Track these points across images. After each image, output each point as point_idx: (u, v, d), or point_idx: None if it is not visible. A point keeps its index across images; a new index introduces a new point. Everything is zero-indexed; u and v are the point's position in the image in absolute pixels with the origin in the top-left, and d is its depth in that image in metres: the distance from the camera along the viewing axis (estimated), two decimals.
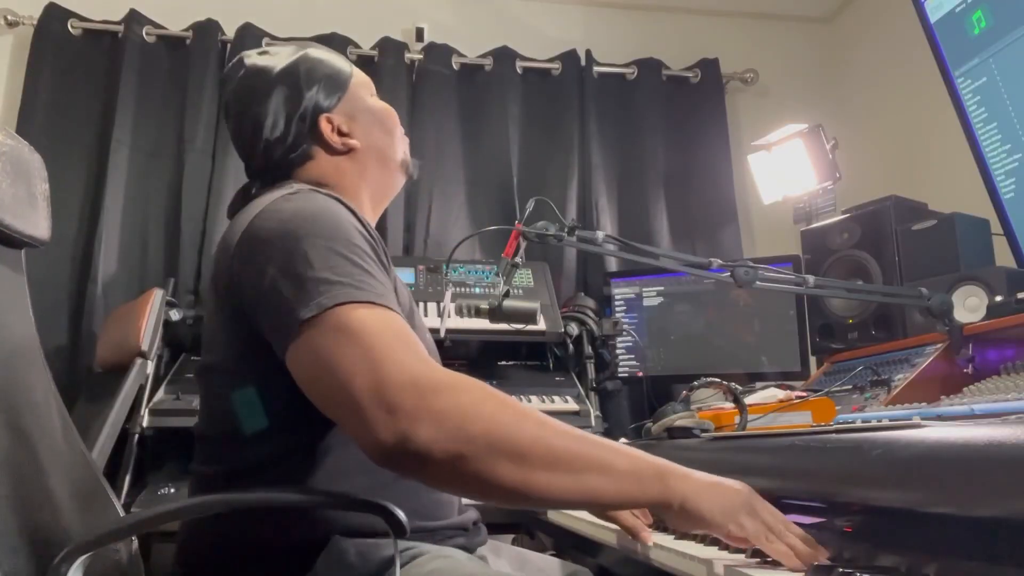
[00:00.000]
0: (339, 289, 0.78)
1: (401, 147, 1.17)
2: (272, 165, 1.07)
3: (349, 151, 1.09)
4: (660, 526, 1.03)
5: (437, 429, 0.70)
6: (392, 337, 0.76)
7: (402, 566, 0.83)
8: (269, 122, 1.05)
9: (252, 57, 1.10)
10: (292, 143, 1.06)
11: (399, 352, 0.74)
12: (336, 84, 1.09)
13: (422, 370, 0.73)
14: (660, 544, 0.93)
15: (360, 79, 1.15)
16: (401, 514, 0.76)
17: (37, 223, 1.01)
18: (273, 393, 0.87)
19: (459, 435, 0.71)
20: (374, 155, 1.12)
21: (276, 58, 1.09)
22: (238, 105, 1.08)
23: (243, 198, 1.06)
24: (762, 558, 0.77)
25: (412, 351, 0.76)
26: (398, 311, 0.81)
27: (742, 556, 0.80)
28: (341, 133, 1.08)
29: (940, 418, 0.96)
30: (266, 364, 0.84)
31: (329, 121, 1.08)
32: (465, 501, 1.04)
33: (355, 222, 0.89)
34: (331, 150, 1.08)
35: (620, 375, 2.43)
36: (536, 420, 0.75)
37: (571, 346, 2.32)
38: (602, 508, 0.84)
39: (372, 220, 1.11)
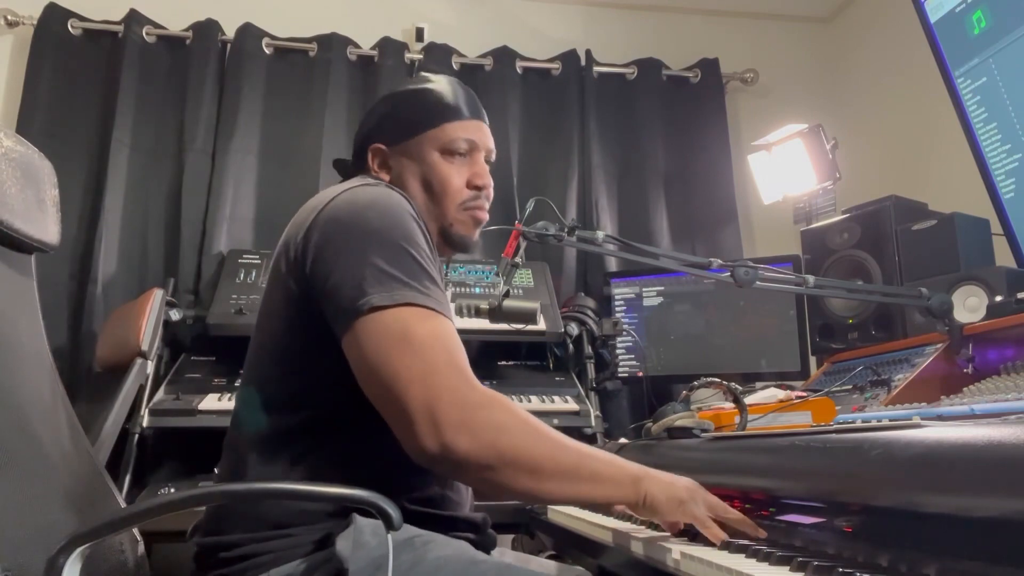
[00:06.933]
0: (408, 291, 0.89)
1: (448, 216, 1.10)
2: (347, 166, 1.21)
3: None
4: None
5: (473, 442, 0.84)
6: (446, 353, 0.87)
7: (416, 550, 0.88)
8: (359, 129, 1.17)
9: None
10: (355, 153, 1.17)
11: (452, 369, 0.86)
12: (410, 123, 1.11)
13: (466, 389, 0.86)
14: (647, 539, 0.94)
15: (446, 135, 1.09)
16: (391, 509, 0.77)
17: (46, 228, 1.02)
18: (310, 369, 0.95)
19: (490, 450, 0.85)
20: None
21: (415, 80, 1.17)
22: None
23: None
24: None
25: (460, 368, 0.87)
26: (451, 318, 0.92)
27: (743, 555, 0.80)
28: (383, 166, 1.13)
29: (940, 418, 0.96)
30: (309, 343, 0.93)
31: (377, 152, 1.13)
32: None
33: (419, 221, 0.98)
34: (374, 175, 1.13)
35: (620, 375, 2.43)
36: (549, 438, 0.89)
37: (571, 346, 2.32)
38: (589, 507, 1.02)
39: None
